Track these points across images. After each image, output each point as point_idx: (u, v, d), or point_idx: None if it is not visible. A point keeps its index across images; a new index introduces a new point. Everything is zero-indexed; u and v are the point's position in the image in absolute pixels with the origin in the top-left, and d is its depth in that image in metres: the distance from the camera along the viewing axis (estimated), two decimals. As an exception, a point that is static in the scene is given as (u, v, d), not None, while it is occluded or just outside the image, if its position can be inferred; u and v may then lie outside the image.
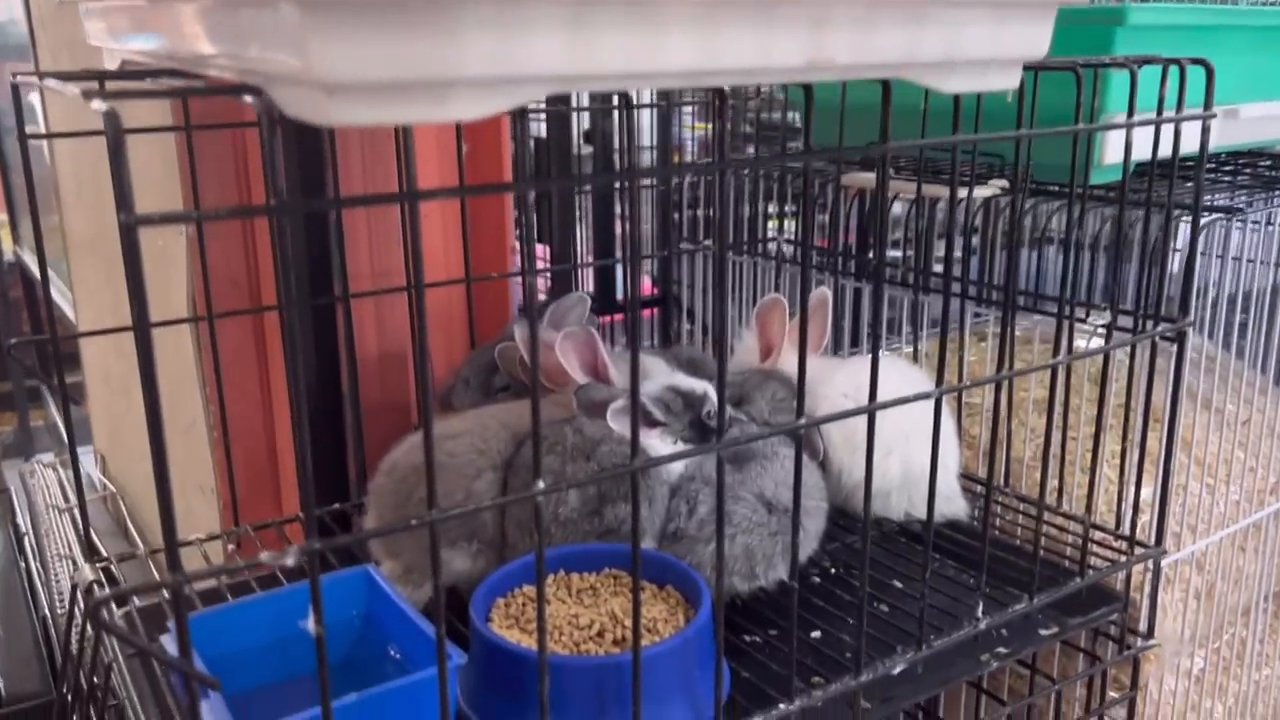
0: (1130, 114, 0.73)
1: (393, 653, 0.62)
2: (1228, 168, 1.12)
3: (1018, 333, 1.17)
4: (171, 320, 0.88)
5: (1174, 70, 0.75)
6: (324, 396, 0.95)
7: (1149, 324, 0.82)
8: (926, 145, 0.82)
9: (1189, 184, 1.08)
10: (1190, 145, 0.81)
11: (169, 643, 0.56)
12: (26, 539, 1.31)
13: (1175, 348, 0.86)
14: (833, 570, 0.88)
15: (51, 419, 2.96)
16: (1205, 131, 0.77)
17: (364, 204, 0.45)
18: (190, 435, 1.01)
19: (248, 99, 0.43)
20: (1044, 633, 0.80)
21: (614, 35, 0.40)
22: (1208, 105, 0.76)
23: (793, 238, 1.19)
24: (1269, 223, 1.08)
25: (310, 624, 0.46)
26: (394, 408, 1.06)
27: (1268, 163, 1.15)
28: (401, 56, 0.37)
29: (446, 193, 0.46)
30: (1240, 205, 0.88)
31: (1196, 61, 0.74)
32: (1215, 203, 0.98)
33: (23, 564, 1.26)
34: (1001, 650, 0.77)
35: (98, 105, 0.41)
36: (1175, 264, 0.99)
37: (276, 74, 0.40)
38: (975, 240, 1.16)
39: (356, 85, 0.37)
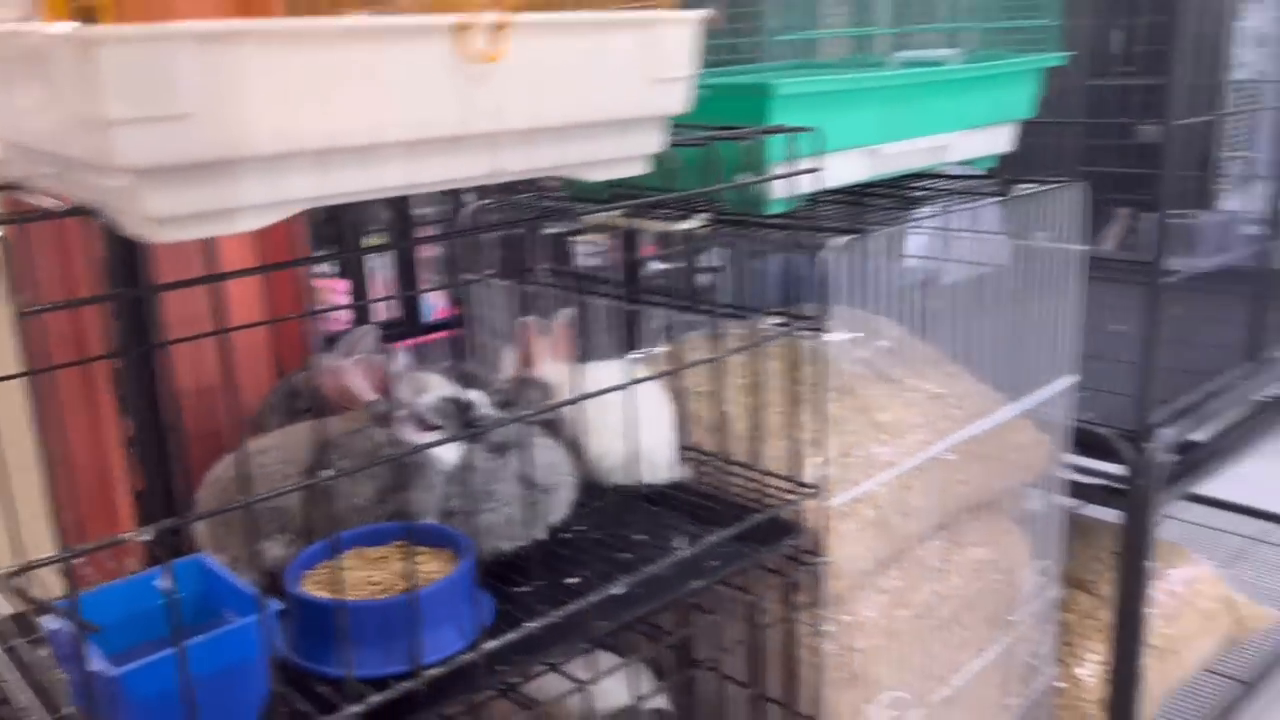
0: (759, 171, 1.00)
1: (228, 615, 0.81)
2: (879, 193, 1.42)
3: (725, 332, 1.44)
4: (24, 373, 1.03)
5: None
6: (151, 427, 1.12)
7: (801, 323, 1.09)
8: (600, 210, 1.07)
9: (856, 207, 1.38)
10: (840, 180, 1.10)
11: (49, 620, 0.73)
12: None
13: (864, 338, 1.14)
14: (585, 529, 1.11)
15: None
16: (818, 179, 1.04)
17: (176, 288, 0.64)
18: (30, 473, 1.15)
19: (96, 219, 0.62)
20: (742, 562, 1.06)
21: (347, 171, 0.62)
22: (818, 157, 1.04)
23: (550, 266, 1.43)
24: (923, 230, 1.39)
25: (163, 583, 0.65)
26: (212, 433, 1.23)
27: (909, 188, 1.46)
28: (204, 198, 0.57)
29: (249, 271, 0.66)
30: (867, 228, 1.17)
31: (802, 129, 1.01)
32: (868, 223, 1.28)
33: None
34: (707, 576, 1.03)
35: (-14, 234, 0.59)
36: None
37: (117, 207, 0.60)
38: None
39: (176, 217, 0.57)
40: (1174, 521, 2.67)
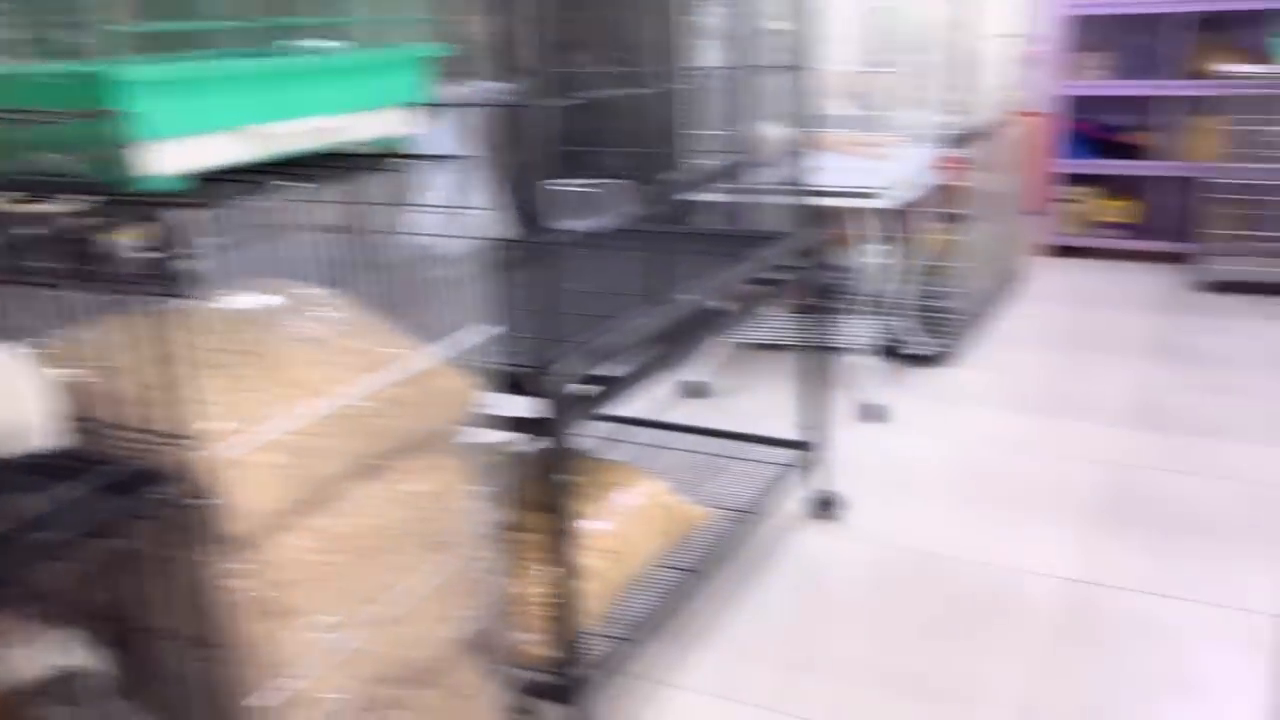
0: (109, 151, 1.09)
1: None
2: (274, 171, 1.55)
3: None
4: None
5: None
6: None
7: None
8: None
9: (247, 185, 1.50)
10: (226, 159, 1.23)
11: None
12: None
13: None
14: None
15: None
16: (201, 158, 1.15)
17: None
18: None
19: None
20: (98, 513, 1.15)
21: None
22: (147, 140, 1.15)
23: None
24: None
25: None
26: None
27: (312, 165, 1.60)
28: None
29: None
30: (209, 200, 1.29)
31: (101, 113, 1.12)
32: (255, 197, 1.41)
33: None
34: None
35: None
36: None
37: None
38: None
39: None
40: (677, 452, 3.15)
